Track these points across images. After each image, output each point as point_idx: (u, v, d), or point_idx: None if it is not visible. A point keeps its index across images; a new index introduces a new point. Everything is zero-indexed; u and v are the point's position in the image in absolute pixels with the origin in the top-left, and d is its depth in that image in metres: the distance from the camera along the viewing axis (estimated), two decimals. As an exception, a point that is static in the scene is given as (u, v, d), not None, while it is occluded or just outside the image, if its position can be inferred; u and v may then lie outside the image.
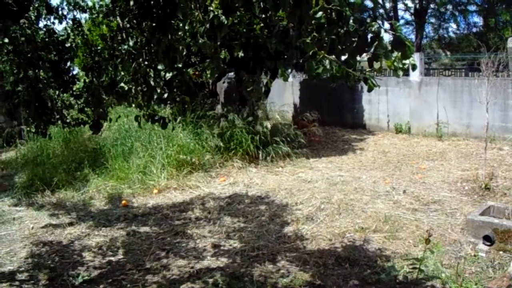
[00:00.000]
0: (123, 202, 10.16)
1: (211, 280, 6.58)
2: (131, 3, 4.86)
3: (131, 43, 5.46)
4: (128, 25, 5.36)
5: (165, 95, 5.82)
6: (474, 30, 34.41)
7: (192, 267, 7.04)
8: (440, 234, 8.14)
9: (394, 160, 13.96)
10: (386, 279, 6.54)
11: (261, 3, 4.53)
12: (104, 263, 7.29)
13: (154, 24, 4.94)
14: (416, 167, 13.08)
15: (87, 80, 6.24)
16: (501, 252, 7.32)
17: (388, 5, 31.89)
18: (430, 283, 6.36)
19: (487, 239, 7.60)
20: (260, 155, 13.40)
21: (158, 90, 5.75)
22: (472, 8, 32.50)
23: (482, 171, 11.19)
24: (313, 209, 9.49)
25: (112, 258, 7.47)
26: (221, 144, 13.36)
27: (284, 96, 21.39)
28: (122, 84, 5.83)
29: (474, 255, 7.28)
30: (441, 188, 10.83)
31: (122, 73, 5.76)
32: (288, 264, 7.09)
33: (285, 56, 12.50)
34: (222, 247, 7.78)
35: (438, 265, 6.80)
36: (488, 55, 11.34)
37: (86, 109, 6.36)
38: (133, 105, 6.33)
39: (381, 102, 19.46)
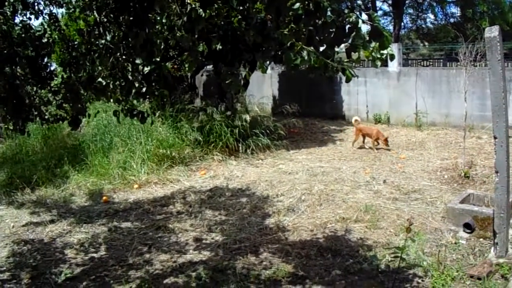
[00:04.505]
0: (104, 198, 10.11)
1: (194, 274, 6.58)
2: (108, -4, 4.84)
3: (108, 38, 5.41)
4: (105, 20, 5.31)
5: (144, 89, 5.77)
6: (452, 20, 34.62)
7: (174, 261, 7.03)
8: (421, 222, 8.21)
9: (374, 150, 14.01)
10: (369, 268, 6.60)
11: (239, -5, 4.52)
12: (87, 260, 7.25)
13: (131, 18, 4.90)
14: (395, 157, 13.18)
15: (64, 76, 6.17)
16: (481, 239, 7.41)
17: (366, -5, 31.96)
18: (412, 271, 6.41)
19: (467, 226, 7.67)
20: (240, 147, 13.44)
21: (137, 85, 5.71)
22: (450, -2, 32.67)
23: (461, 159, 11.29)
24: (294, 200, 9.53)
25: (95, 255, 7.42)
26: (201, 137, 13.34)
27: (263, 88, 21.41)
28: (100, 79, 5.77)
29: (455, 243, 7.35)
30: (421, 177, 10.92)
31: (100, 68, 5.71)
32: (271, 256, 7.10)
33: (263, 48, 12.47)
34: (204, 241, 7.78)
35: (419, 253, 6.86)
36: (466, 45, 11.42)
37: (64, 105, 6.29)
38: (112, 100, 6.27)
39: (360, 93, 19.55)
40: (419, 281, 6.20)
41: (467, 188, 9.74)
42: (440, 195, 9.60)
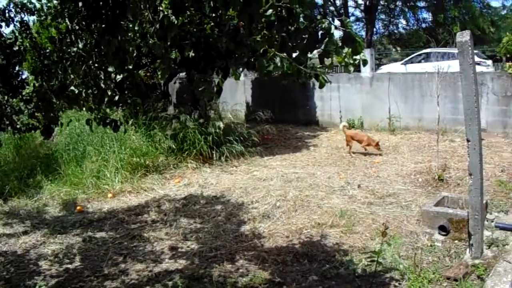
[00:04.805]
0: (78, 207, 10.00)
1: (170, 283, 6.52)
2: (80, 4, 4.78)
3: (80, 45, 5.36)
4: (77, 27, 5.27)
5: (116, 98, 5.73)
6: (424, 25, 35.30)
7: (150, 271, 6.96)
8: (396, 226, 8.25)
9: (348, 155, 14.07)
10: (345, 273, 6.60)
11: (211, 2, 4.50)
12: (62, 271, 7.15)
13: (103, 26, 4.86)
14: (370, 161, 13.24)
15: (36, 84, 6.09)
16: (456, 241, 7.48)
17: (338, 2, 32.30)
18: (388, 275, 6.42)
19: (442, 229, 7.74)
20: (214, 155, 13.41)
21: (109, 93, 5.66)
22: (421, 4, 33.22)
23: (435, 163, 11.39)
24: (269, 207, 9.52)
25: (69, 266, 7.32)
26: (174, 145, 13.30)
27: (236, 95, 21.42)
28: (72, 88, 5.71)
29: (431, 245, 7.41)
30: (395, 181, 10.98)
31: (72, 76, 5.66)
32: (247, 263, 7.08)
33: (236, 55, 12.48)
34: (179, 249, 7.73)
35: (395, 257, 6.89)
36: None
37: (36, 114, 6.22)
38: (84, 109, 6.22)
39: (333, 99, 19.66)
40: (396, 284, 6.22)
41: (441, 191, 9.83)
42: (415, 198, 9.66)
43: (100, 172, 11.58)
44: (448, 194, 9.08)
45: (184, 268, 7.00)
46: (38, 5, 6.47)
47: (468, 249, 6.95)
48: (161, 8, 4.62)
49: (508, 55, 18.61)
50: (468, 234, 6.91)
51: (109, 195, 10.77)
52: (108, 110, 6.60)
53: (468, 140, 6.56)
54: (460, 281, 6.04)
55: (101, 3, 4.62)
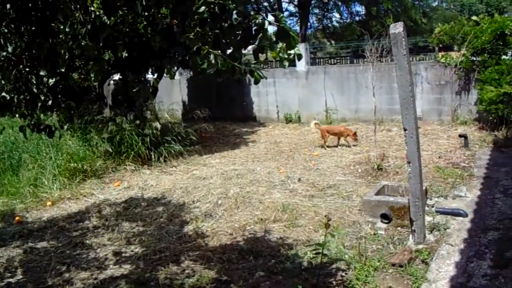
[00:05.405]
0: (17, 218, 9.70)
1: (116, 289, 6.42)
2: (8, 6, 4.62)
3: (10, 49, 5.19)
4: (6, 30, 5.10)
5: (50, 102, 5.58)
6: (357, 18, 35.85)
7: (95, 278, 6.82)
8: (338, 217, 8.34)
9: (287, 149, 14.20)
10: (291, 267, 6.63)
11: (143, 1, 4.41)
12: (3, 286, 6.91)
13: (33, 28, 4.72)
14: (309, 154, 13.37)
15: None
16: (399, 228, 7.64)
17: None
18: (335, 266, 6.50)
19: (384, 217, 7.85)
20: (153, 156, 13.27)
21: (42, 97, 5.51)
22: (355, -3, 33.60)
23: (373, 152, 11.58)
24: (210, 205, 9.51)
25: (11, 280, 7.07)
26: (111, 148, 13.10)
27: (172, 94, 21.32)
28: (3, 94, 5.54)
29: (374, 234, 7.53)
30: (335, 173, 11.10)
31: (3, 81, 5.48)
32: (192, 264, 7.03)
33: (170, 54, 12.38)
34: (123, 254, 7.60)
35: (340, 248, 6.97)
36: (372, 42, 11.73)
37: (-34, 123, 6.02)
38: (17, 115, 6.03)
39: (270, 94, 19.77)
40: (343, 274, 6.30)
41: (381, 180, 9.97)
42: (355, 188, 9.79)
43: (37, 180, 11.29)
44: (388, 183, 9.22)
45: (129, 273, 6.89)
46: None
47: (411, 235, 7.08)
48: (92, 9, 4.51)
49: (440, 45, 19.04)
50: (410, 221, 7.03)
51: (48, 203, 10.50)
52: (42, 115, 6.43)
53: (405, 129, 6.67)
54: (405, 266, 6.16)
55: (30, 4, 4.47)
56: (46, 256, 7.81)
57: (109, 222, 9.08)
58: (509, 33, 14.70)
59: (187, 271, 6.80)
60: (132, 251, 7.71)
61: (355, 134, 14.09)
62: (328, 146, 14.15)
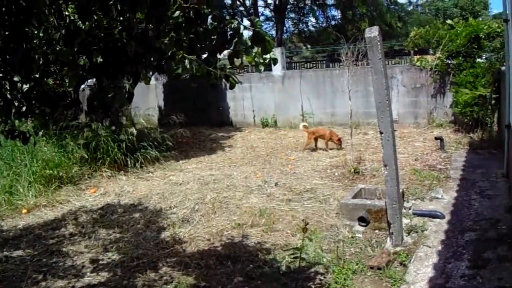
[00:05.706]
0: (-9, 226, 9.59)
1: (93, 297, 6.36)
2: (-20, 11, 4.56)
3: (-17, 55, 5.13)
4: (-22, 36, 5.04)
5: (24, 108, 5.51)
6: (333, 23, 36.11)
7: (73, 286, 6.74)
8: (316, 221, 8.35)
9: (263, 154, 14.20)
10: (270, 271, 6.62)
11: (118, 5, 4.37)
12: (-23, 296, 6.84)
13: (7, 33, 4.66)
14: (285, 158, 13.39)
15: None
16: (376, 231, 7.68)
17: (248, 2, 32.43)
18: (313, 270, 6.50)
19: (362, 220, 7.88)
20: (129, 162, 13.19)
21: (16, 103, 5.44)
22: (330, 1, 33.87)
23: (350, 156, 11.61)
24: (187, 211, 9.48)
25: (-15, 290, 7.00)
26: (87, 154, 12.99)
27: (148, 99, 21.21)
28: (-24, 100, 5.46)
29: (352, 237, 7.56)
30: (312, 177, 11.11)
31: (-24, 88, 5.41)
32: (170, 270, 6.98)
33: (146, 59, 12.32)
34: (101, 261, 7.52)
35: (318, 251, 6.98)
36: (347, 46, 11.79)
37: None
38: (-9, 122, 5.96)
39: (246, 99, 19.76)
40: (321, 278, 6.31)
41: (358, 183, 10.02)
42: (333, 192, 9.82)
43: (12, 187, 11.15)
44: (365, 186, 9.27)
45: (107, 280, 6.82)
46: None
47: (388, 238, 7.10)
48: (67, 13, 4.46)
49: (415, 49, 19.22)
50: (388, 223, 7.06)
51: (24, 210, 10.37)
52: (16, 121, 6.36)
53: (381, 132, 6.70)
54: (383, 269, 6.19)
55: (4, 9, 4.41)
56: (22, 265, 7.69)
57: (86, 229, 8.99)
58: (483, 37, 14.90)
59: (165, 278, 6.74)
60: (109, 258, 7.62)
61: (339, 139, 14.14)
62: (304, 149, 14.19)
